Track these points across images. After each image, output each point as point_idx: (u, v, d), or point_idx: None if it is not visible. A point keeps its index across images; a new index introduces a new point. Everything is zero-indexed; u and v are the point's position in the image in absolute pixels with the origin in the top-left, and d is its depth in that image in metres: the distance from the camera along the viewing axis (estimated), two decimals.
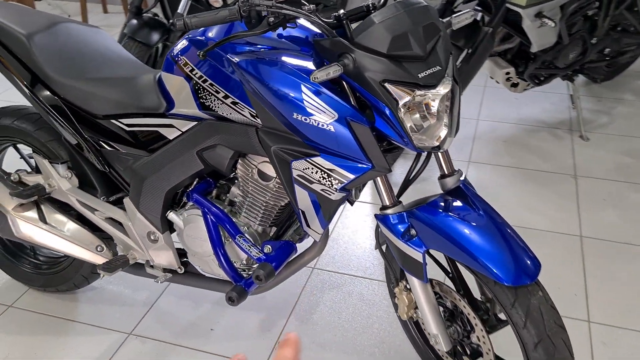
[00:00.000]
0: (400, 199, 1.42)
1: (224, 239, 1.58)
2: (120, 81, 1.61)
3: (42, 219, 1.72)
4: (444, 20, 1.36)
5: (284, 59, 1.33)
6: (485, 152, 2.93)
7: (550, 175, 2.73)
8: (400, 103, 1.24)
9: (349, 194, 1.41)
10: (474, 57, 2.48)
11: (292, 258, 1.64)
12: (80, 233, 1.74)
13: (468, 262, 1.30)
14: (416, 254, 1.37)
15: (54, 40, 1.68)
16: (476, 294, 1.53)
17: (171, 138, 1.57)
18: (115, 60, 1.72)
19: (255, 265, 1.61)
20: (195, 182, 1.62)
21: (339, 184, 1.35)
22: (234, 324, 1.96)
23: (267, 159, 1.47)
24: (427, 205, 1.38)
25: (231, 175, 1.63)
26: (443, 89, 1.28)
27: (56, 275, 2.01)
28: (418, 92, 1.24)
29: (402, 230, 1.38)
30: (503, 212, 2.42)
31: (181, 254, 1.73)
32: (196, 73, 1.44)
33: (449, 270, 1.55)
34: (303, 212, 1.45)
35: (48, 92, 1.63)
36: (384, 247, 1.56)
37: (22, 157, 1.96)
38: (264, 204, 1.56)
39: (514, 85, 2.90)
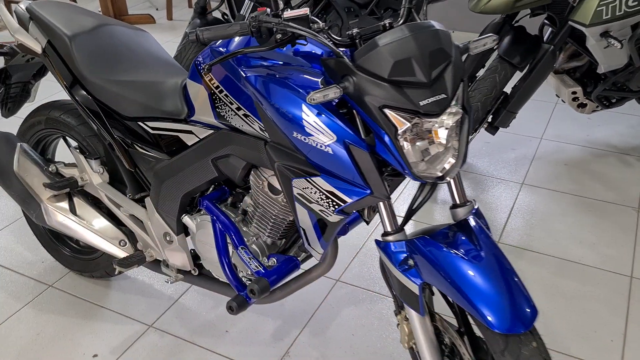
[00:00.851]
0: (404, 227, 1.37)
1: (230, 247, 1.60)
2: (149, 85, 1.66)
3: (73, 210, 1.82)
4: (461, 44, 1.29)
5: (291, 76, 1.32)
6: (543, 175, 2.77)
7: (610, 205, 2.54)
8: (399, 130, 1.19)
9: (347, 216, 1.38)
10: (531, 76, 2.34)
11: (300, 273, 1.63)
12: (106, 227, 1.83)
13: (460, 302, 1.24)
14: (412, 286, 1.32)
15: (95, 42, 1.76)
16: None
17: (190, 144, 1.60)
18: (151, 64, 1.78)
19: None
20: (211, 189, 1.65)
21: (337, 207, 1.33)
22: (249, 328, 1.98)
23: None
24: (428, 237, 1.32)
25: (245, 185, 1.65)
26: (448, 118, 1.22)
27: (92, 261, 2.12)
28: (418, 120, 1.19)
29: (400, 259, 1.33)
30: (549, 242, 2.30)
31: (196, 256, 1.77)
32: (214, 83, 1.46)
33: (453, 305, 1.47)
34: (304, 230, 1.44)
35: (84, 92, 1.71)
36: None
37: (69, 149, 2.07)
38: (273, 217, 1.56)
39: (582, 105, 2.71)
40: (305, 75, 1.32)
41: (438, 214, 2.53)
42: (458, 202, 1.40)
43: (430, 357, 1.41)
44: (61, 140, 2.12)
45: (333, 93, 1.18)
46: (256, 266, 1.51)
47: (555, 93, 2.82)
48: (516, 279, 1.25)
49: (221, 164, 1.55)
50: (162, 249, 1.74)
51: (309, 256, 1.67)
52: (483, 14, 2.19)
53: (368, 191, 1.29)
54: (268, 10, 1.25)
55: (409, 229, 1.54)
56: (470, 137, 2.71)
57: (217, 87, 1.46)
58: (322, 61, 1.29)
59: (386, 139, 1.21)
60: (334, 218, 1.36)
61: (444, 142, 1.24)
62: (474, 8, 2.22)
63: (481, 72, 2.47)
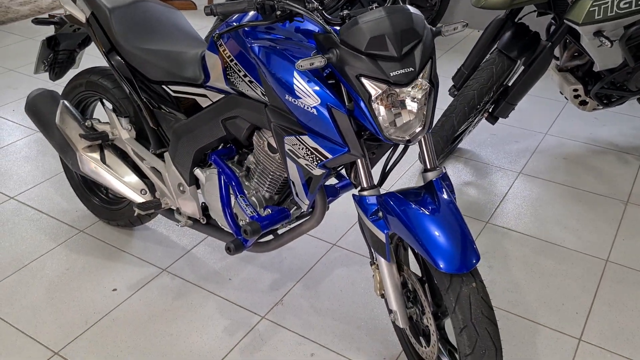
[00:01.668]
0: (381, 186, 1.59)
1: (233, 198, 1.85)
2: (173, 54, 1.92)
3: (103, 160, 2.10)
4: (434, 28, 1.50)
5: (288, 47, 1.55)
6: (541, 166, 2.93)
7: (600, 198, 2.68)
8: (373, 97, 1.41)
9: (330, 171, 1.60)
10: (528, 72, 2.51)
11: (293, 226, 1.86)
12: (130, 177, 2.10)
13: (417, 248, 1.44)
14: (380, 235, 1.53)
15: (131, 14, 2.03)
16: None
17: (204, 106, 1.85)
18: (177, 37, 2.04)
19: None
20: (220, 147, 1.90)
21: (319, 162, 1.55)
22: (249, 278, 2.22)
23: None
24: (397, 193, 1.54)
25: (250, 147, 1.88)
26: (415, 89, 1.42)
27: (118, 211, 2.40)
28: (392, 91, 1.40)
29: (372, 210, 1.55)
30: (535, 226, 2.48)
31: (205, 208, 2.02)
32: (227, 53, 1.70)
33: (417, 257, 1.68)
34: (293, 183, 1.67)
35: (119, 58, 1.98)
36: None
37: (104, 108, 2.36)
38: (271, 173, 1.80)
39: (583, 103, 2.86)
40: (300, 48, 1.54)
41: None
42: (428, 166, 1.60)
43: (395, 301, 1.62)
44: (98, 104, 2.41)
45: (318, 62, 1.40)
46: (251, 212, 1.75)
47: (559, 90, 2.97)
48: (465, 231, 1.45)
49: (229, 125, 1.79)
50: (176, 197, 2.00)
51: (303, 215, 1.89)
52: (484, 9, 2.37)
53: (346, 149, 1.50)
54: None
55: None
56: (471, 126, 2.90)
57: (229, 57, 1.70)
58: (314, 36, 1.51)
59: (362, 104, 1.42)
60: (317, 172, 1.58)
61: (414, 110, 1.44)
62: (476, 4, 2.40)
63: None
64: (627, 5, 2.23)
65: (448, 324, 1.65)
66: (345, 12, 1.51)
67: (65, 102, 2.20)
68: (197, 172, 1.93)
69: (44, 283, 2.20)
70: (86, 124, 2.16)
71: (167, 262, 2.31)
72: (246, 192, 1.84)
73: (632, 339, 1.95)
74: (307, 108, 1.50)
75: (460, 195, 2.71)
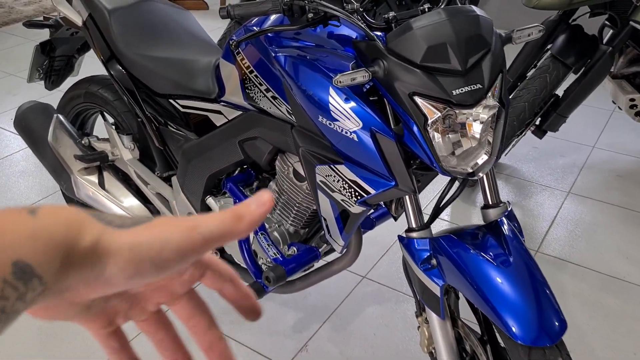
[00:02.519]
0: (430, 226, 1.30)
1: (251, 233, 1.57)
2: (182, 62, 1.64)
3: (102, 184, 1.82)
4: (504, 33, 1.21)
5: (321, 58, 1.27)
6: (592, 185, 2.62)
7: None
8: (429, 120, 1.12)
9: (371, 208, 1.32)
10: (585, 79, 2.21)
11: (321, 265, 1.58)
12: (133, 203, 1.83)
13: (483, 308, 1.16)
14: (434, 287, 1.25)
15: (134, 17, 1.75)
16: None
17: (218, 124, 1.58)
18: (187, 42, 1.76)
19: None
20: (236, 172, 1.62)
21: (360, 197, 1.27)
22: (269, 317, 1.94)
23: None
24: (455, 236, 1.25)
25: (271, 171, 1.60)
26: (482, 110, 1.14)
27: None
28: (450, 111, 1.12)
29: (423, 257, 1.26)
30: (593, 256, 2.17)
31: None
32: (245, 62, 1.43)
33: (477, 311, 1.39)
34: (325, 220, 1.39)
35: (120, 67, 1.71)
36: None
37: (104, 123, 2.09)
38: (297, 205, 1.52)
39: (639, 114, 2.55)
40: (336, 58, 1.26)
41: (473, 215, 2.43)
42: (490, 202, 1.32)
43: None
44: (100, 116, 2.14)
45: (361, 76, 1.12)
46: (274, 253, 1.47)
47: (611, 99, 2.66)
48: (546, 289, 1.16)
49: (248, 147, 1.52)
50: None
51: (332, 249, 1.62)
52: (537, 9, 2.08)
53: (393, 183, 1.22)
54: None
55: (436, 228, 1.47)
56: (516, 139, 2.58)
57: (248, 68, 1.42)
58: (353, 44, 1.23)
59: (415, 128, 1.14)
60: (356, 209, 1.30)
61: (477, 136, 1.16)
62: (527, 3, 2.10)
63: (532, 72, 2.35)
64: None
65: None
66: (392, 14, 1.22)
67: (60, 117, 1.93)
68: (210, 201, 1.65)
69: (33, 329, 1.93)
70: (83, 142, 1.89)
71: None
72: (267, 225, 1.56)
73: None
74: (346, 133, 1.22)
75: None
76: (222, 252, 1.75)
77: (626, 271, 2.12)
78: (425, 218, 1.32)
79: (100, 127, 2.21)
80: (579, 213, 2.44)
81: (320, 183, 1.32)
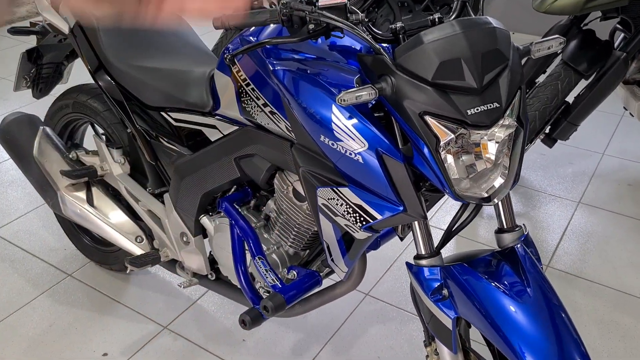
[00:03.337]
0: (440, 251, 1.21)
1: (248, 255, 1.47)
2: (174, 73, 1.54)
3: (90, 201, 1.73)
4: (522, 46, 1.11)
5: (323, 72, 1.17)
6: (603, 194, 2.52)
7: None
8: (442, 142, 1.03)
9: (377, 233, 1.22)
10: (598, 86, 2.11)
11: (322, 289, 1.49)
12: (124, 221, 1.73)
13: (498, 343, 1.07)
14: (445, 319, 1.16)
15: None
16: None
17: (213, 140, 1.48)
18: (181, 51, 1.66)
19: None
20: (232, 190, 1.52)
21: (365, 223, 1.17)
22: (267, 339, 1.85)
23: None
24: (467, 264, 1.16)
25: (270, 189, 1.51)
26: (499, 131, 1.04)
27: (111, 254, 2.03)
28: (464, 132, 1.02)
29: (433, 287, 1.17)
30: (606, 271, 2.07)
31: (214, 260, 1.64)
32: (241, 74, 1.33)
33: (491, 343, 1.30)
34: (328, 245, 1.29)
35: (107, 77, 1.61)
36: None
37: (92, 135, 1.99)
38: (297, 226, 1.42)
39: None
40: (339, 73, 1.16)
41: (483, 230, 2.33)
42: (505, 226, 1.22)
43: None
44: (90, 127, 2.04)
45: (367, 94, 1.03)
46: (273, 280, 1.37)
47: (622, 105, 2.57)
48: (566, 321, 1.07)
49: (244, 164, 1.42)
50: (178, 249, 1.62)
51: (333, 271, 1.52)
52: (548, 14, 1.98)
53: (401, 208, 1.13)
54: None
55: (446, 250, 1.37)
56: (525, 149, 2.49)
57: (244, 80, 1.32)
58: (358, 57, 1.14)
59: (425, 150, 1.05)
60: (361, 235, 1.21)
61: (493, 158, 1.07)
62: (538, 7, 2.00)
63: (542, 78, 2.26)
64: None
65: None
66: (399, 24, 1.12)
67: (47, 129, 1.83)
68: (204, 220, 1.56)
69: (22, 344, 1.84)
70: (71, 155, 1.78)
71: (169, 316, 1.94)
72: (265, 247, 1.46)
73: None
74: (350, 154, 1.12)
75: None
76: (217, 273, 1.66)
77: (638, 286, 2.03)
78: (435, 237, 1.22)
79: (91, 137, 2.12)
80: (591, 225, 2.35)
81: (322, 206, 1.23)
